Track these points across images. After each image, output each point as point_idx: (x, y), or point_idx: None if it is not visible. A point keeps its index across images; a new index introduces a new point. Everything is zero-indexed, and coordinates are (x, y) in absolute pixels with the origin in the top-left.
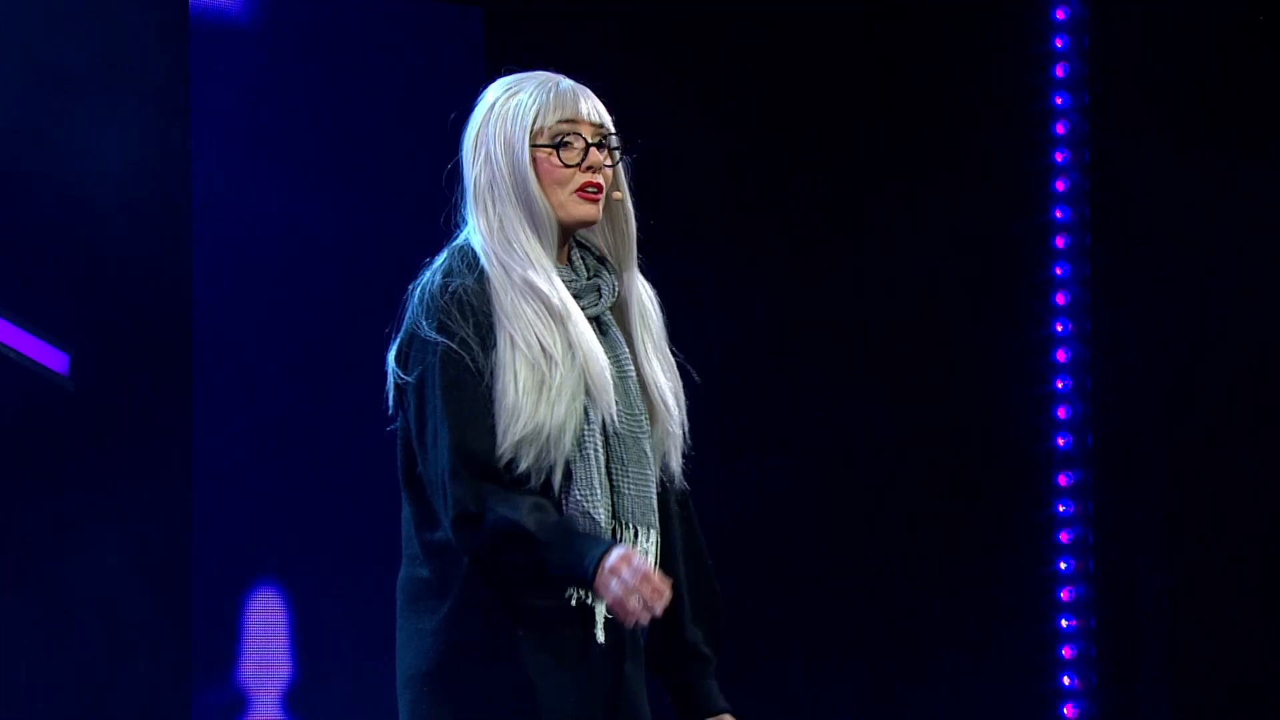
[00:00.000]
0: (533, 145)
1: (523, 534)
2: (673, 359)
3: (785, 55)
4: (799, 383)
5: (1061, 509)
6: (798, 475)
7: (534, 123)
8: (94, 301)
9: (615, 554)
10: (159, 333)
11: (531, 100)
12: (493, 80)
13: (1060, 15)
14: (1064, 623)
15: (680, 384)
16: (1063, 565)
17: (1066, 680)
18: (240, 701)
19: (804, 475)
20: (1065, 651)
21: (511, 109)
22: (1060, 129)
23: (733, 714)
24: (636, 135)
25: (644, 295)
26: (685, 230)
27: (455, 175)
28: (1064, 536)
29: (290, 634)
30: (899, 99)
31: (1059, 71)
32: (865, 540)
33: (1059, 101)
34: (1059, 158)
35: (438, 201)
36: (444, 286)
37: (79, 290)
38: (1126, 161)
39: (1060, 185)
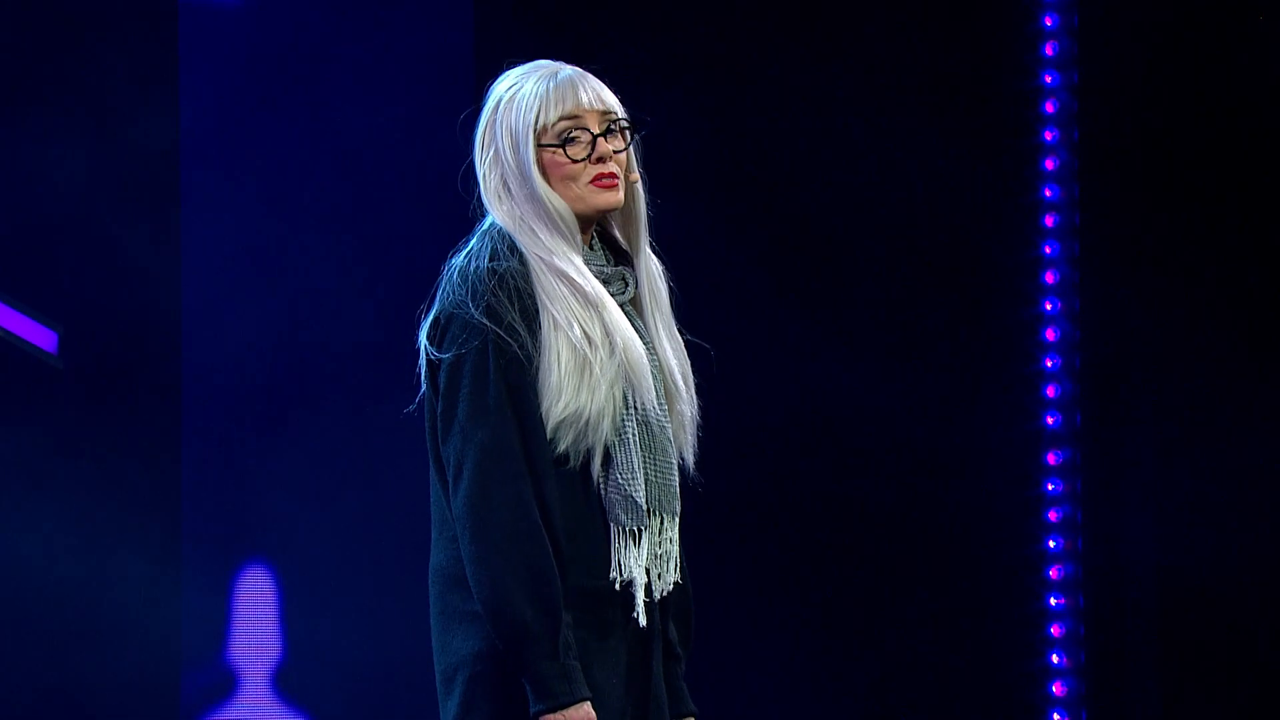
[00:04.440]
0: (539, 145)
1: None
2: (680, 337)
3: (773, 32)
4: (783, 357)
5: (1050, 487)
6: (782, 452)
7: (536, 121)
8: (83, 279)
9: (576, 713)
10: (148, 310)
11: (533, 98)
12: (483, 60)
13: None
14: (1052, 601)
15: (688, 363)
16: (1051, 544)
17: (1055, 658)
18: (230, 681)
19: (788, 451)
20: (1054, 630)
21: (514, 108)
22: (1050, 107)
23: (697, 717)
24: (628, 109)
25: (654, 274)
26: (668, 213)
27: (471, 170)
28: (1053, 515)
29: (280, 614)
30: (885, 77)
31: (1048, 50)
32: (852, 518)
33: (1048, 80)
34: (1048, 136)
35: (426, 183)
36: (491, 270)
37: (68, 268)
38: (1116, 140)
39: (1049, 164)
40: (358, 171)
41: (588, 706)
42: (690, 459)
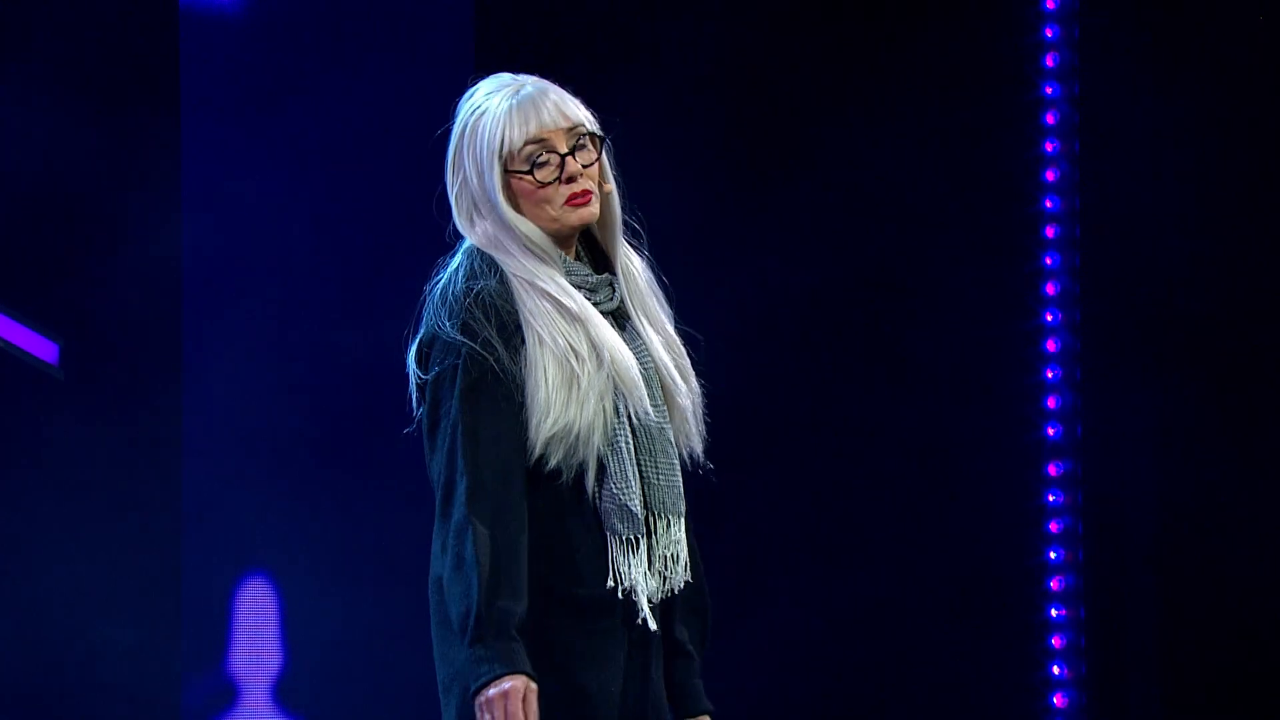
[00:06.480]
0: (506, 171)
1: (468, 593)
2: (673, 331)
3: (773, 41)
4: (785, 368)
5: (1051, 499)
6: (781, 463)
7: (501, 148)
8: (84, 291)
9: (497, 690)
10: (149, 322)
11: (494, 124)
12: (483, 62)
13: (1050, 5)
14: (1054, 612)
15: (685, 355)
16: (1052, 555)
17: (1056, 670)
18: (230, 692)
19: (787, 463)
20: (1055, 641)
21: (480, 133)
22: (1050, 119)
23: (713, 716)
24: (624, 105)
25: (634, 271)
26: (663, 215)
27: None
28: (1054, 526)
29: (280, 624)
30: (886, 88)
31: (1049, 61)
32: (854, 529)
33: (1049, 91)
34: (1049, 148)
35: (427, 189)
36: (468, 289)
37: (69, 280)
38: (1116, 151)
39: (1050, 175)
40: (361, 178)
41: (510, 681)
42: (698, 448)
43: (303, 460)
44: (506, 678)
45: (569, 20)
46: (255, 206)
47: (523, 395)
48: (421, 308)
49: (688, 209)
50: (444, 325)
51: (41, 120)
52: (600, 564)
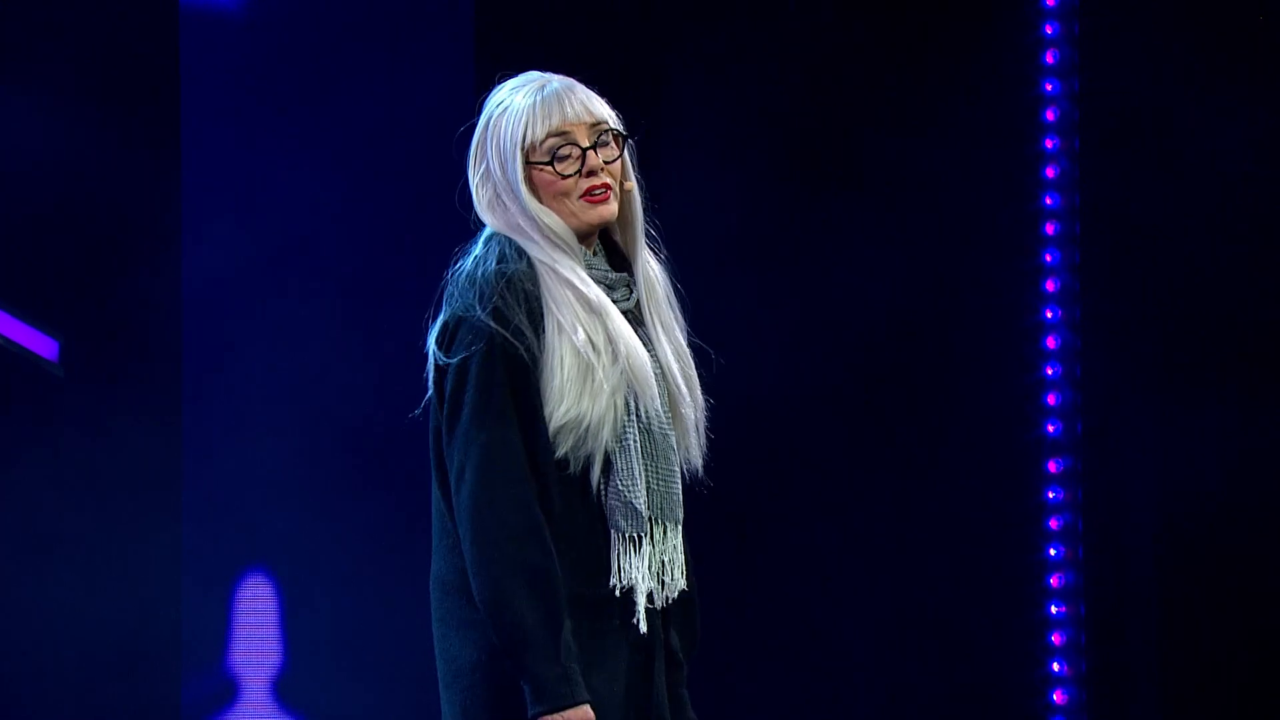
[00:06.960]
0: (528, 163)
1: (533, 592)
2: (683, 340)
3: (762, 40)
4: (782, 362)
5: (1051, 495)
6: (782, 458)
7: (524, 139)
8: (84, 288)
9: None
10: (150, 319)
11: (519, 115)
12: (483, 63)
13: (1050, 2)
14: (1053, 609)
15: (693, 367)
16: (1052, 552)
17: (1056, 666)
18: (230, 689)
19: (788, 457)
20: (1055, 638)
21: (502, 126)
22: (1050, 115)
23: None
24: (622, 106)
25: (653, 276)
26: (672, 221)
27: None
28: (1054, 523)
29: (280, 622)
30: (886, 87)
31: (1049, 58)
32: (853, 525)
33: (1049, 88)
34: (1049, 144)
35: (428, 187)
36: (500, 272)
37: (70, 277)
38: (1116, 147)
39: (1050, 172)
40: (359, 177)
41: (587, 709)
42: (697, 461)
43: (303, 459)
44: (581, 706)
45: (569, 21)
46: (255, 206)
47: (540, 379)
48: (443, 290)
49: (681, 208)
50: (474, 308)
51: (41, 120)
52: (603, 562)
